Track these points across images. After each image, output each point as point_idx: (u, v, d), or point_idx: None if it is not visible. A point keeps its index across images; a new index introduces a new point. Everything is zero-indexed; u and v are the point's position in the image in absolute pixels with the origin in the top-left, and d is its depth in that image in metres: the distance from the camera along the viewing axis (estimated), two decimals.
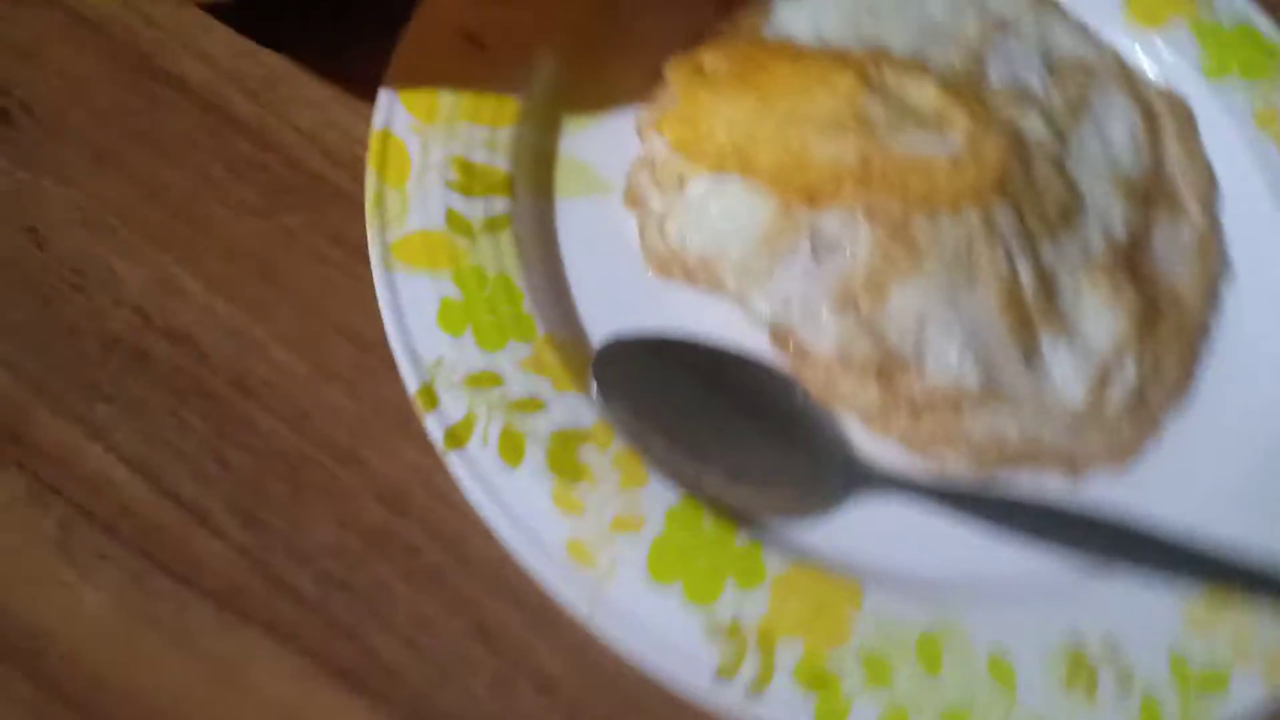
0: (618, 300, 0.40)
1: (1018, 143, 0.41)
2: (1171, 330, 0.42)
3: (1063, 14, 0.48)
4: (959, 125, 0.41)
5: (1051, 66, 0.46)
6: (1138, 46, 0.48)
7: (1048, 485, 0.39)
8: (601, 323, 0.39)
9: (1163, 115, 0.46)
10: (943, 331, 0.38)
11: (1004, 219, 0.40)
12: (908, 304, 0.38)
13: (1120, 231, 0.42)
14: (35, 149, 0.41)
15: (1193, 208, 0.45)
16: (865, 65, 0.42)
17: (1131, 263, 0.42)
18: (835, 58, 0.42)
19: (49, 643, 0.34)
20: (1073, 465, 0.39)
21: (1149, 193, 0.44)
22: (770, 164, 0.39)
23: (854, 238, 0.39)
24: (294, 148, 0.42)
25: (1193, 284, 0.43)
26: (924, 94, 0.42)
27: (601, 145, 0.43)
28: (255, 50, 0.44)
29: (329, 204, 0.41)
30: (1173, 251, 0.44)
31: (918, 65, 0.43)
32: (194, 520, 0.36)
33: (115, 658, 0.34)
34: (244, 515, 0.36)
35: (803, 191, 0.39)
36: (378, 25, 0.42)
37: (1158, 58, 0.48)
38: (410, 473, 0.37)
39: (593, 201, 0.42)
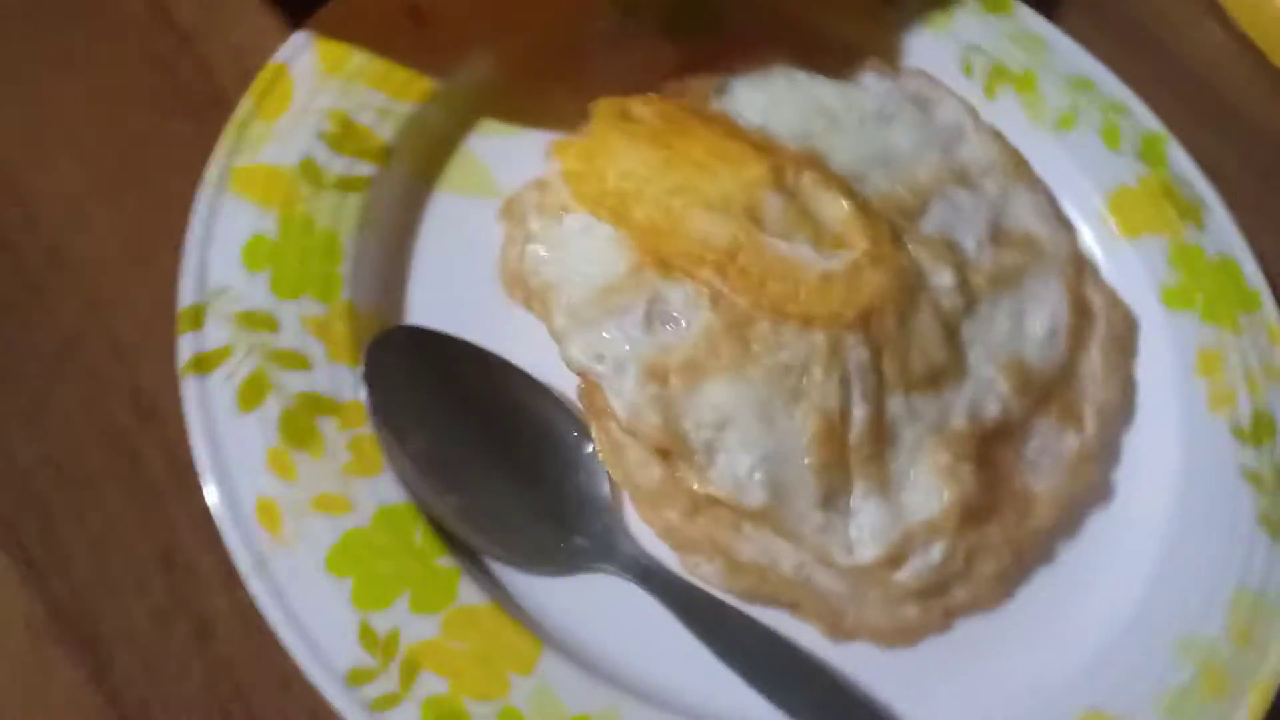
0: (455, 300, 0.39)
1: (908, 288, 0.39)
2: (1004, 535, 0.39)
3: (1036, 188, 0.46)
4: (854, 249, 0.39)
5: (996, 233, 0.43)
6: (1105, 247, 0.45)
7: (803, 634, 0.36)
8: (428, 315, 0.38)
9: (1099, 320, 0.44)
10: (741, 440, 0.36)
11: (855, 354, 0.37)
12: (717, 400, 0.36)
13: (991, 415, 0.39)
14: None
15: (1089, 421, 0.42)
16: (786, 164, 0.40)
17: (989, 451, 0.39)
18: (761, 147, 0.41)
19: None
20: (838, 625, 0.36)
21: (1047, 390, 0.41)
22: (643, 221, 0.38)
23: (690, 318, 0.37)
24: (214, 59, 0.43)
25: (1053, 497, 0.40)
26: (835, 209, 0.40)
27: (509, 156, 0.42)
28: None
29: (221, 123, 0.41)
30: (1045, 457, 0.41)
31: (845, 183, 0.41)
32: None
33: None
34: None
35: (661, 257, 0.37)
36: None
37: (1122, 265, 0.45)
38: (172, 387, 0.36)
39: (474, 203, 0.41)
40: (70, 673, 0.33)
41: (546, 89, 0.44)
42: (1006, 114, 0.47)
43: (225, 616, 0.34)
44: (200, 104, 0.42)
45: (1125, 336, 0.44)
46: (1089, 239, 0.46)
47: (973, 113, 0.46)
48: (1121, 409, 0.42)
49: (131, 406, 0.36)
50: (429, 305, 0.39)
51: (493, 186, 0.42)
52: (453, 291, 0.39)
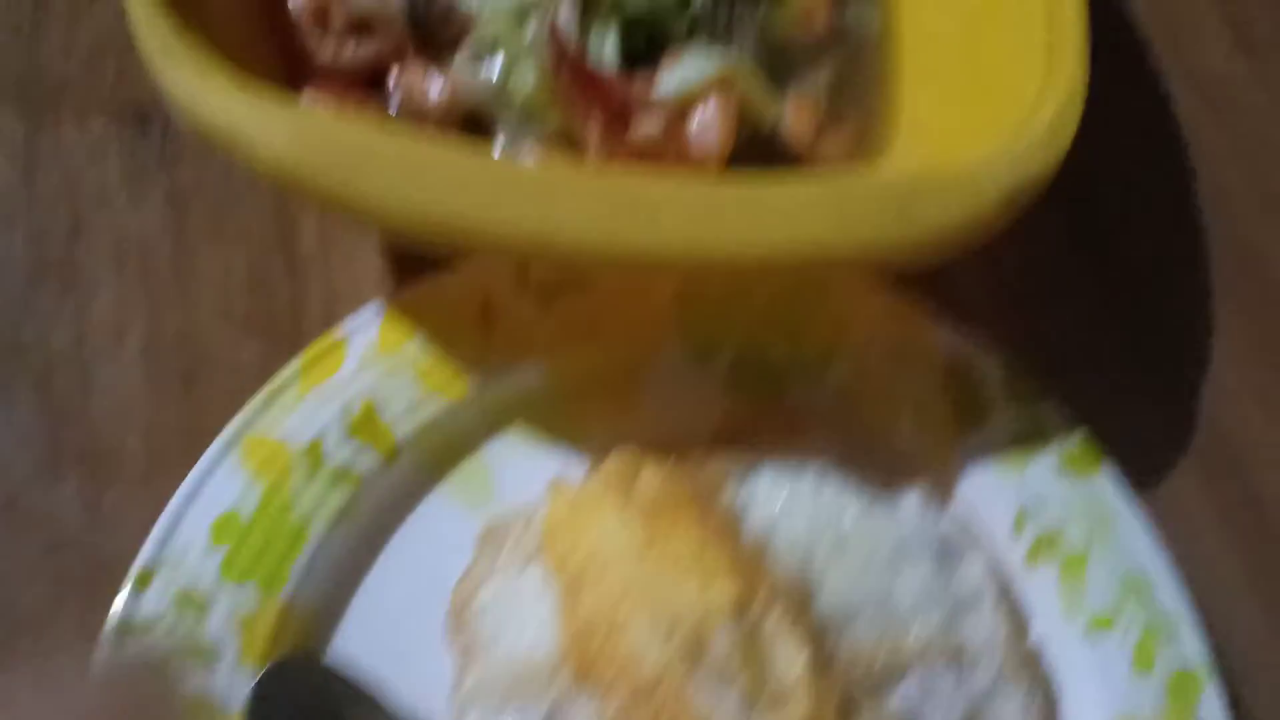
0: (399, 622, 0.40)
1: None
2: None
3: (1032, 694, 0.42)
4: (788, 717, 0.38)
5: None
6: None
7: None
8: (367, 631, 0.40)
9: None
10: None
11: None
12: None
13: None
14: None
15: None
16: (761, 592, 0.39)
17: None
18: (745, 563, 0.40)
19: None
20: None
21: None
22: (586, 613, 0.38)
23: None
24: (309, 293, 0.46)
25: None
26: (788, 661, 0.39)
27: (520, 469, 0.43)
28: None
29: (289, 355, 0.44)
30: None
31: (814, 631, 0.39)
32: None
33: None
34: None
35: (584, 660, 0.37)
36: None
37: None
38: None
39: (462, 514, 0.42)
40: None
41: (586, 410, 0.44)
42: (1040, 593, 0.43)
43: None
44: (278, 330, 0.45)
45: None
46: None
47: (998, 586, 0.43)
48: None
49: None
50: (372, 620, 0.40)
51: (491, 497, 0.43)
52: (403, 611, 0.40)
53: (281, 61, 0.45)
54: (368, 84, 0.46)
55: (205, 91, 0.35)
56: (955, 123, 0.47)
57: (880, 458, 0.44)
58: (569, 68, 0.44)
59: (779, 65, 0.51)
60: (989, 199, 0.37)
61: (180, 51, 0.36)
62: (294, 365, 0.41)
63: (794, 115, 0.49)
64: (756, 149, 0.48)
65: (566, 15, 0.45)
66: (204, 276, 0.48)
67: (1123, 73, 0.58)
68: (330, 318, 0.47)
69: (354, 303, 0.45)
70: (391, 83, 0.46)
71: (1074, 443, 0.43)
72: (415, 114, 0.45)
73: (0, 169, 0.50)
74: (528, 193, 0.34)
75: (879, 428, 0.45)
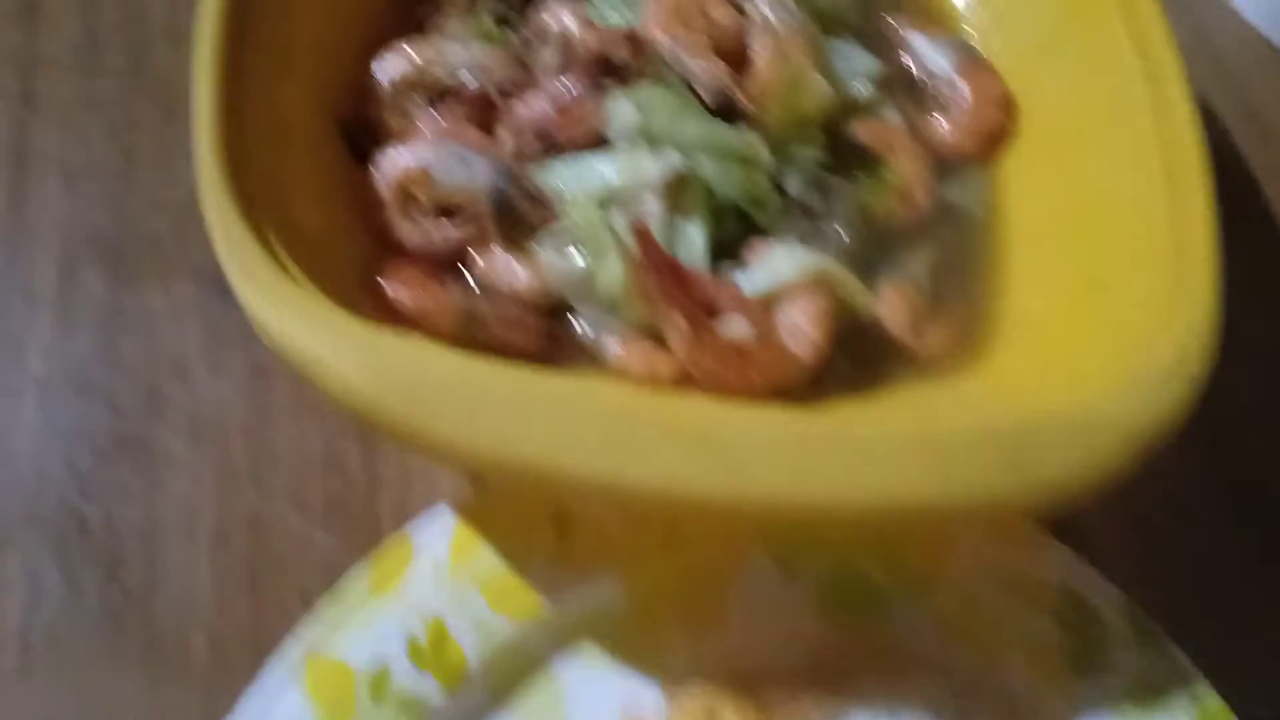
0: None
1: None
2: None
3: None
4: None
5: None
6: None
7: None
8: None
9: None
10: None
11: None
12: None
13: None
14: None
15: None
16: None
17: None
18: None
19: None
20: None
21: None
22: None
23: None
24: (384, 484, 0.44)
25: None
26: None
27: (594, 691, 0.40)
28: None
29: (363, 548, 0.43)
30: None
31: None
32: None
33: None
34: None
35: None
36: None
37: None
38: None
39: None
40: None
41: (663, 630, 0.41)
42: None
43: None
44: (351, 520, 0.44)
45: None
46: None
47: None
48: None
49: None
50: None
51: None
52: None
53: (366, 236, 0.45)
54: (451, 265, 0.45)
55: (275, 308, 0.34)
56: (1069, 324, 0.44)
57: (987, 701, 0.40)
58: (655, 265, 0.42)
59: (877, 246, 0.48)
60: (1113, 446, 0.34)
61: (252, 259, 0.35)
62: (363, 573, 0.39)
63: (892, 306, 0.46)
64: (853, 338, 0.45)
65: (653, 208, 0.43)
66: (280, 457, 0.47)
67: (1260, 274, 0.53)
68: (403, 510, 0.45)
69: (428, 493, 0.44)
70: (475, 268, 0.44)
71: (1204, 701, 0.39)
72: (497, 300, 0.44)
73: (81, 331, 0.50)
74: (604, 434, 0.32)
75: (986, 666, 0.41)
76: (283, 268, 0.35)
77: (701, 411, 0.39)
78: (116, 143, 0.54)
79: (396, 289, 0.42)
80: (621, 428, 0.32)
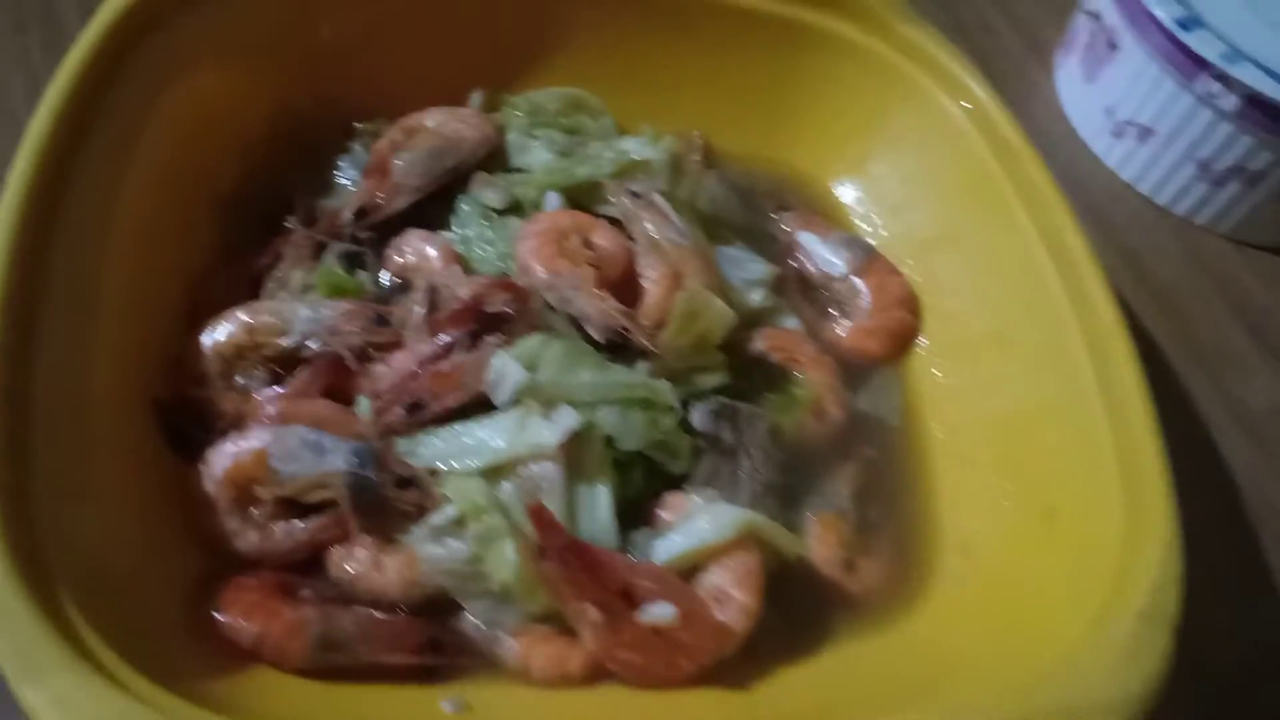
0: None
1: None
2: None
3: None
4: None
5: None
6: None
7: None
8: None
9: None
10: None
11: None
12: None
13: None
14: None
15: None
16: None
17: None
18: None
19: None
20: None
21: None
22: None
23: None
24: None
25: None
26: None
27: None
28: None
29: None
30: None
31: None
32: None
33: None
34: None
35: None
36: None
37: None
38: None
39: None
40: None
41: None
42: None
43: None
44: None
45: None
46: None
47: None
48: None
49: None
50: None
51: None
52: None
53: (196, 549, 0.37)
54: (304, 566, 0.38)
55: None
56: (1013, 548, 0.39)
57: None
58: (557, 550, 0.36)
59: (796, 474, 0.43)
60: None
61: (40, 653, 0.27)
62: None
63: (820, 543, 0.41)
64: (782, 586, 0.40)
65: (550, 476, 0.37)
66: None
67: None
68: None
69: None
70: (335, 569, 0.37)
71: None
72: (361, 614, 0.37)
73: None
74: None
75: None
76: (80, 652, 0.28)
77: None
78: None
79: (232, 619, 0.35)
80: None
